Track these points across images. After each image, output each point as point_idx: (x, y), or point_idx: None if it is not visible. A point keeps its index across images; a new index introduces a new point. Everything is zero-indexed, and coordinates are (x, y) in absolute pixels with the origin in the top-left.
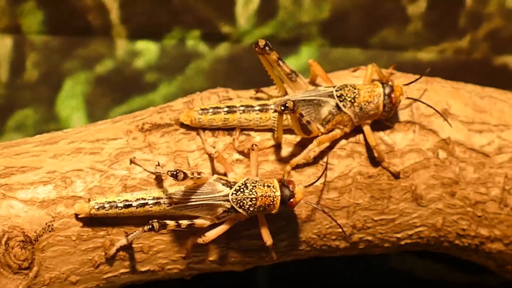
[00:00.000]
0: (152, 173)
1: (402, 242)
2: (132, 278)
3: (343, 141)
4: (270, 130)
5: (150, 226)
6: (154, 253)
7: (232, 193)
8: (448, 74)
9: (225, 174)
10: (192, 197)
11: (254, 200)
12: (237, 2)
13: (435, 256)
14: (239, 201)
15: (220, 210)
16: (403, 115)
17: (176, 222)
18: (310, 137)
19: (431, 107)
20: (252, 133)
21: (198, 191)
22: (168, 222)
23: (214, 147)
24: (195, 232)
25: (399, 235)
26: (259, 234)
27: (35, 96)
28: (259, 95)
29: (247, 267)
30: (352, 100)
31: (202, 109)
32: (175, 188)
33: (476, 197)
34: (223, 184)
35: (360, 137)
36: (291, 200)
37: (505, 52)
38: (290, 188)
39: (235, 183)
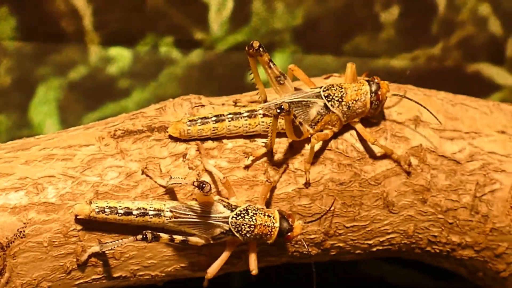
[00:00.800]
0: (163, 186)
1: (374, 249)
2: (104, 284)
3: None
4: (258, 136)
5: (143, 236)
6: (126, 259)
7: (233, 217)
8: (420, 81)
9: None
10: (193, 214)
11: (252, 227)
12: (210, 8)
13: (406, 262)
14: (237, 226)
15: (218, 231)
16: (375, 122)
17: (170, 236)
18: (301, 139)
19: (419, 104)
20: (224, 140)
21: (199, 209)
22: (162, 234)
23: (222, 173)
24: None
25: (370, 242)
26: None
27: (8, 102)
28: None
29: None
30: (340, 99)
31: (190, 120)
32: (177, 203)
33: (448, 204)
34: (224, 206)
35: (332, 143)
36: (289, 234)
37: (477, 59)
38: (290, 222)
39: (236, 207)
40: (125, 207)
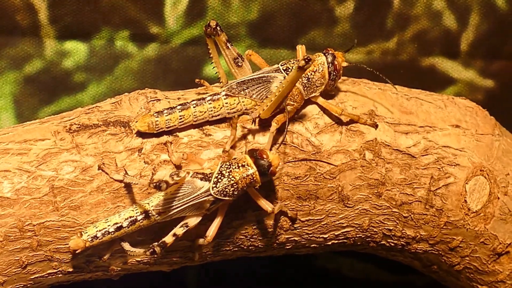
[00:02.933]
0: (119, 181)
1: (329, 243)
2: (60, 279)
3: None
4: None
5: (152, 250)
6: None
7: (213, 187)
8: (376, 75)
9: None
10: (176, 201)
11: (235, 185)
12: (165, 2)
13: (361, 256)
14: (222, 192)
15: (207, 204)
16: (331, 116)
17: (173, 235)
18: (266, 117)
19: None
20: (179, 134)
21: (180, 193)
22: (166, 239)
23: (181, 153)
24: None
25: (326, 236)
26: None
27: None
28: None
29: (174, 267)
30: None
31: (156, 112)
32: (158, 197)
33: (402, 198)
34: (201, 179)
35: (287, 138)
36: (270, 169)
37: (432, 53)
38: (265, 158)
39: (211, 174)
40: (114, 224)
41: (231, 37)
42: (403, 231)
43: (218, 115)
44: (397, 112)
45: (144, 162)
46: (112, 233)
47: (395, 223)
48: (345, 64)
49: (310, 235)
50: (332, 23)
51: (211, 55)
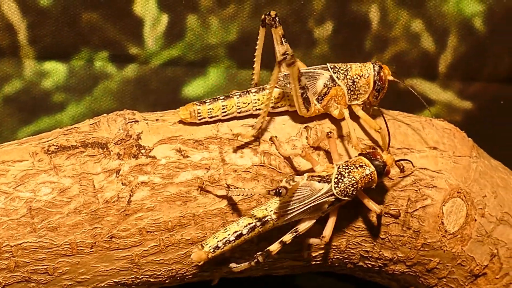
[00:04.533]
0: (224, 197)
1: (307, 263)
2: None
3: (248, 164)
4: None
5: (256, 260)
6: (59, 274)
7: (335, 187)
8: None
9: (312, 170)
10: (295, 204)
11: (355, 185)
12: (144, 24)
13: (340, 275)
14: (343, 191)
15: (326, 206)
16: (308, 138)
17: (279, 243)
18: (307, 115)
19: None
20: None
21: (298, 196)
22: (271, 248)
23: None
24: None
25: (303, 257)
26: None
27: None
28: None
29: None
30: (345, 73)
31: (199, 102)
32: (276, 202)
33: (380, 220)
34: (318, 182)
35: (265, 159)
36: (386, 169)
37: (410, 75)
38: (378, 158)
39: (329, 176)
40: (234, 232)
41: (210, 58)
42: (380, 252)
43: (261, 108)
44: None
45: (122, 183)
46: (233, 241)
47: (372, 244)
48: (390, 78)
49: (288, 256)
50: (311, 44)
51: (256, 47)
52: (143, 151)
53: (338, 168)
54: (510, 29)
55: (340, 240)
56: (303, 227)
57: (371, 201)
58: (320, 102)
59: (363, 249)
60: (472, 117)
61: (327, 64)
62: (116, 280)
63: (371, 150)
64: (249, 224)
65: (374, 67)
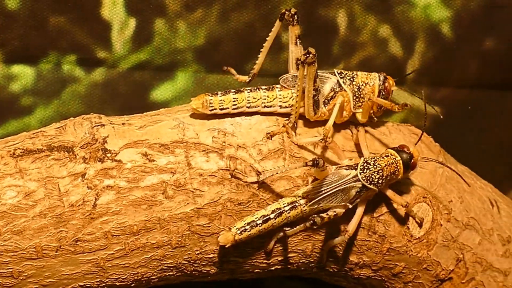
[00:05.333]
0: (256, 183)
1: (272, 268)
2: None
3: (213, 168)
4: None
5: (312, 221)
6: (24, 278)
7: (360, 172)
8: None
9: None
10: (323, 189)
11: (381, 172)
12: (112, 27)
13: (308, 279)
14: (368, 178)
15: (353, 192)
16: (274, 143)
17: (326, 214)
18: (314, 119)
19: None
20: (123, 159)
21: (326, 181)
22: (324, 215)
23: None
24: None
25: (269, 261)
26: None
27: None
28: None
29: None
30: (351, 79)
31: (211, 93)
32: (304, 189)
33: (346, 224)
34: (346, 169)
35: (231, 163)
36: (412, 160)
37: None
38: (406, 151)
39: (356, 164)
40: (261, 216)
41: (178, 62)
42: (346, 257)
43: (271, 106)
44: (342, 138)
45: (88, 187)
46: (260, 225)
47: (338, 248)
48: (395, 88)
49: (253, 261)
50: (279, 49)
51: (267, 38)
52: (109, 155)
53: (365, 159)
54: (477, 34)
55: (306, 244)
56: (338, 211)
57: (396, 194)
58: (326, 105)
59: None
60: (439, 122)
61: (334, 70)
62: (82, 284)
63: (400, 144)
64: (277, 209)
65: (379, 76)
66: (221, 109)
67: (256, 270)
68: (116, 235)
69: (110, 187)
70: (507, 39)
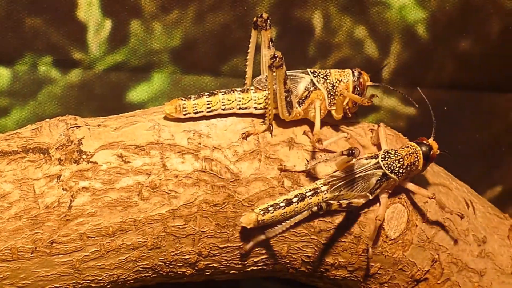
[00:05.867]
0: (304, 171)
1: (248, 269)
2: None
3: (189, 170)
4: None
5: (319, 207)
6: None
7: (382, 160)
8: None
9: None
10: (345, 175)
11: (401, 161)
12: (88, 29)
13: (285, 280)
14: (389, 166)
15: (374, 180)
16: (250, 144)
17: (338, 202)
18: (289, 119)
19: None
20: (98, 161)
21: (347, 170)
22: (332, 202)
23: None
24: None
25: (244, 262)
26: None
27: None
28: None
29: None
30: (325, 77)
31: (185, 97)
32: (325, 178)
33: (321, 225)
34: (366, 159)
35: (206, 165)
36: (431, 152)
37: None
38: (425, 143)
39: (376, 154)
40: (284, 200)
41: (154, 63)
42: (321, 257)
43: (246, 108)
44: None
45: (63, 189)
46: (283, 207)
47: (313, 250)
48: (369, 83)
49: (229, 262)
50: (255, 50)
51: (248, 50)
52: (84, 156)
53: (384, 150)
54: (452, 35)
55: (282, 245)
56: (354, 201)
57: (419, 187)
58: (300, 105)
59: (305, 254)
60: (415, 123)
61: (307, 69)
62: (57, 285)
63: (420, 138)
64: (300, 194)
65: (353, 72)
66: (195, 113)
67: (232, 272)
68: (92, 237)
69: (85, 188)
70: (483, 40)
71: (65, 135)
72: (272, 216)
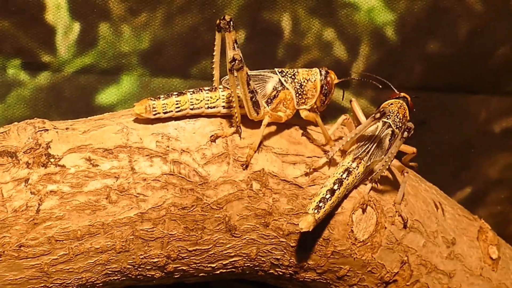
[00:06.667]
0: (326, 163)
1: (217, 272)
2: None
3: (157, 173)
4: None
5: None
6: None
7: (388, 118)
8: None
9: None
10: (367, 146)
11: (398, 115)
12: (57, 31)
13: (258, 282)
14: (394, 122)
15: (387, 140)
16: (218, 147)
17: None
18: (257, 119)
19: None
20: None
21: (364, 141)
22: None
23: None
24: None
25: (213, 265)
26: None
27: None
28: None
29: None
30: (293, 77)
31: (154, 97)
32: (346, 159)
33: (289, 228)
34: (373, 116)
35: (174, 168)
36: (409, 101)
37: None
38: (400, 95)
39: (377, 115)
40: (327, 191)
41: (123, 66)
42: (290, 260)
43: (214, 107)
44: (286, 142)
45: (31, 192)
46: (330, 198)
47: (282, 252)
48: (337, 81)
49: (198, 265)
50: (224, 52)
51: (214, 53)
52: (52, 160)
53: (381, 110)
54: (421, 37)
55: (251, 248)
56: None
57: (404, 145)
58: (269, 105)
59: (274, 256)
60: None
61: (275, 68)
62: None
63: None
64: (337, 180)
65: (320, 71)
66: (164, 113)
67: (201, 274)
68: (60, 240)
69: (53, 192)
70: (451, 42)
71: (33, 139)
72: (325, 210)
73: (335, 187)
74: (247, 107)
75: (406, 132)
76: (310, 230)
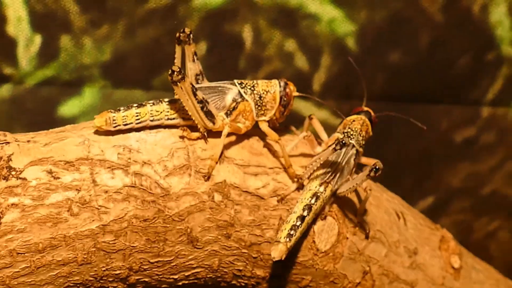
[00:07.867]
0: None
1: (180, 283)
2: None
3: (119, 185)
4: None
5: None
6: None
7: (350, 140)
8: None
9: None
10: (334, 170)
11: (361, 133)
12: (18, 44)
13: None
14: (357, 142)
15: (352, 160)
16: (179, 159)
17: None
18: (215, 129)
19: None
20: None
21: (332, 164)
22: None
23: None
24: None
25: (176, 276)
26: None
27: None
28: None
29: None
30: (252, 88)
31: (114, 110)
32: (313, 182)
33: (252, 239)
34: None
35: (136, 180)
36: (372, 115)
37: None
38: (362, 110)
39: (339, 140)
40: (297, 218)
41: (85, 78)
42: (253, 271)
43: (174, 118)
44: (247, 153)
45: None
46: (300, 225)
47: (244, 263)
48: (296, 94)
49: (160, 276)
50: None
51: (176, 59)
52: (13, 172)
53: (342, 131)
54: (382, 48)
55: (213, 259)
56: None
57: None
58: (228, 116)
59: (236, 268)
60: None
61: (235, 80)
62: None
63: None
64: (306, 205)
65: (279, 83)
66: (124, 125)
67: (164, 286)
68: (22, 253)
69: (14, 205)
70: (412, 52)
71: None
72: (296, 237)
73: (305, 213)
74: (199, 118)
75: (373, 172)
76: (283, 259)
